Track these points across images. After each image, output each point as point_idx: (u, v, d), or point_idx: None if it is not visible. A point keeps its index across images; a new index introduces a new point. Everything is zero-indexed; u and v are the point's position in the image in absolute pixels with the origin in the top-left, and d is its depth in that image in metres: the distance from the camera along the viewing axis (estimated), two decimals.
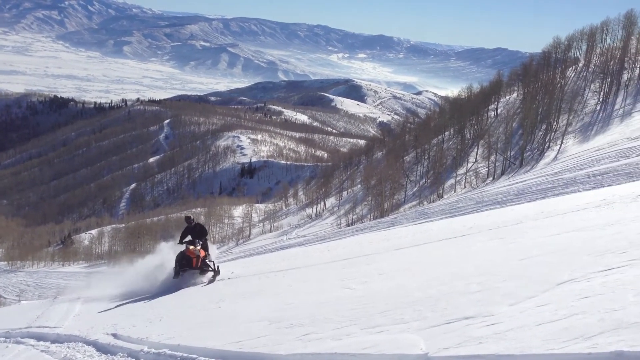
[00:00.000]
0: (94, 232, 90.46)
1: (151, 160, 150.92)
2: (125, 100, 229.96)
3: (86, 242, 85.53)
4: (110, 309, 11.74)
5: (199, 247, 13.13)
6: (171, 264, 13.35)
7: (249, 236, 68.46)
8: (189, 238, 13.60)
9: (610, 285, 4.48)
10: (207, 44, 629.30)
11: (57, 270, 64.58)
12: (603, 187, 15.94)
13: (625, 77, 57.14)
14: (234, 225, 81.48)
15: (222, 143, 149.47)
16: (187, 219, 14.15)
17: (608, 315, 3.71)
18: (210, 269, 13.16)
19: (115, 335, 8.49)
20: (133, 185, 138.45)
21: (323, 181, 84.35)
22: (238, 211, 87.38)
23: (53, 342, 9.41)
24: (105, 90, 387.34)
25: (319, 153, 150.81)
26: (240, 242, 65.47)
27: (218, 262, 14.74)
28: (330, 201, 73.48)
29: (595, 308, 3.92)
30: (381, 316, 5.70)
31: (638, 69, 56.73)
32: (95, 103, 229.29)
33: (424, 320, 5.09)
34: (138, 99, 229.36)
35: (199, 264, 12.96)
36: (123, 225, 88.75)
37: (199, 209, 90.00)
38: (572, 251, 6.35)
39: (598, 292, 4.37)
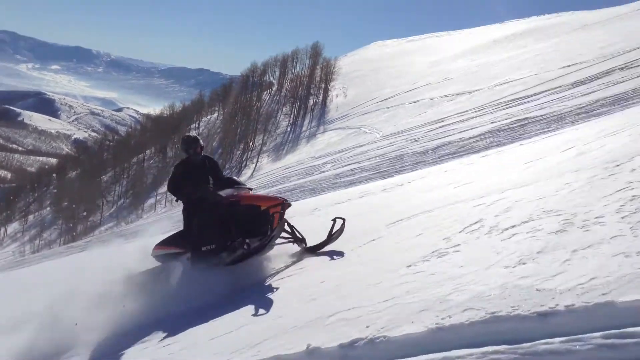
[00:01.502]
0: None
1: None
2: None
3: None
4: None
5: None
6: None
7: None
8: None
9: (278, 294, 4.89)
10: None
11: None
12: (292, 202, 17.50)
13: (311, 102, 64.23)
14: None
15: None
16: (193, 141, 6.59)
17: (274, 321, 4.03)
18: (296, 236, 7.02)
19: None
20: None
21: (5, 204, 74.89)
22: None
23: None
24: None
25: (2, 173, 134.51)
26: None
27: None
28: (14, 226, 65.86)
29: (263, 318, 4.23)
30: None
31: (322, 95, 64.28)
32: None
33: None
34: None
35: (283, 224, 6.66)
36: None
37: None
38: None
39: (268, 302, 4.73)
